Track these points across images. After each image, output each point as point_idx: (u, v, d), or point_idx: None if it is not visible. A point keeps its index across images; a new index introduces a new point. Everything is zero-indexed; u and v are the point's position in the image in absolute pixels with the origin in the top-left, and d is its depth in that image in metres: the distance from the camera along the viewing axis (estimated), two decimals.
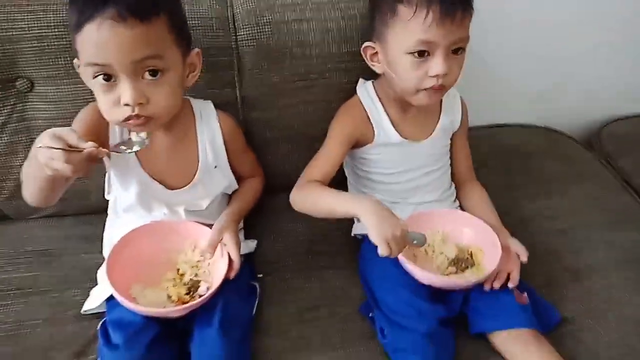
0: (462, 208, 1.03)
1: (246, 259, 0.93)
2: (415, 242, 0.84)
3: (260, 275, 0.95)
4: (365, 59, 0.91)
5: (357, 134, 0.94)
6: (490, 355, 0.85)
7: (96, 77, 0.71)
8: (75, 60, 0.77)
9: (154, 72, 0.72)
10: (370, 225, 0.78)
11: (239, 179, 0.97)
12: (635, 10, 1.34)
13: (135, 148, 0.76)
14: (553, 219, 1.11)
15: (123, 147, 0.76)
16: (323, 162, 0.94)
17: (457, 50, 0.83)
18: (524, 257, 0.88)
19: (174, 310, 0.77)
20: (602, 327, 0.90)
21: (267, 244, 1.02)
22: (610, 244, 1.06)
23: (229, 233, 0.84)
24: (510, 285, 0.87)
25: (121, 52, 0.68)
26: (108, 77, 0.71)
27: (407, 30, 0.80)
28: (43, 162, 0.64)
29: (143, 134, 0.77)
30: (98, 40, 0.68)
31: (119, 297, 0.75)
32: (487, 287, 0.86)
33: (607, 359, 0.86)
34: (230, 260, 0.82)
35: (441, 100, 0.98)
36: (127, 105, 0.71)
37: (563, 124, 1.45)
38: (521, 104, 1.42)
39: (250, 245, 0.97)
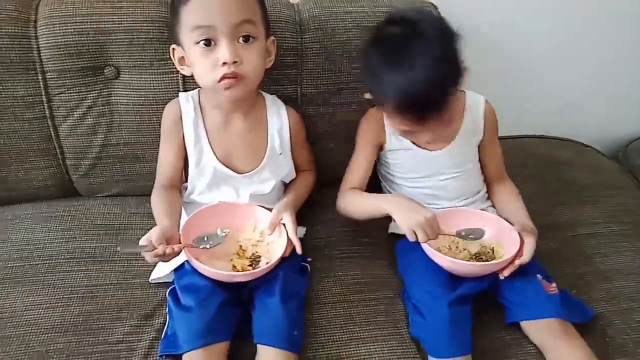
0: (493, 205, 1.08)
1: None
2: (471, 236, 0.94)
3: (310, 259, 1.02)
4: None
5: (379, 138, 1.03)
6: (524, 344, 0.91)
7: (198, 43, 0.84)
8: (172, 46, 0.90)
9: (246, 38, 0.85)
10: (396, 218, 0.89)
11: (296, 170, 1.06)
12: None
13: (213, 243, 0.88)
14: (584, 225, 1.18)
15: (202, 244, 0.87)
16: (355, 170, 1.05)
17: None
18: (524, 259, 0.91)
19: (240, 275, 0.85)
20: (629, 325, 0.96)
21: (314, 232, 1.09)
22: (637, 250, 1.12)
23: (287, 216, 0.92)
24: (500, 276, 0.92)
25: (224, 14, 0.82)
26: (208, 42, 0.83)
27: (393, 120, 0.90)
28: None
29: (224, 232, 0.90)
30: (207, 4, 0.82)
31: (194, 262, 0.83)
32: (501, 276, 0.92)
33: (634, 354, 0.92)
34: (289, 239, 0.90)
35: (463, 108, 1.01)
36: (224, 64, 0.83)
37: (591, 137, 1.53)
38: (551, 117, 1.49)
39: (300, 231, 1.05)
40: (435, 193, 1.03)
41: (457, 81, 0.86)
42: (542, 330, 0.89)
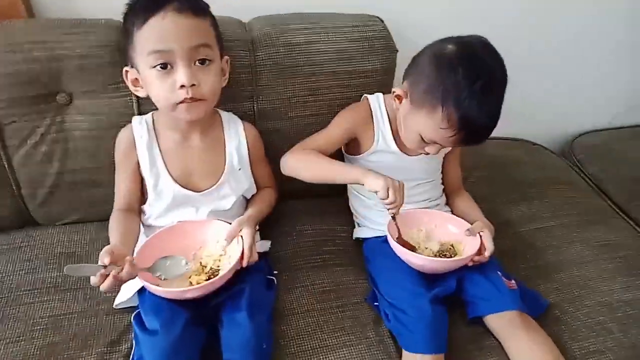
0: (452, 212, 1.13)
1: (263, 256, 1.02)
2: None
3: (276, 272, 1.04)
4: (391, 94, 1.00)
5: (359, 131, 1.06)
6: (486, 337, 0.96)
7: (154, 67, 0.85)
8: (125, 68, 0.91)
9: (203, 61, 0.87)
10: (369, 178, 0.91)
11: (257, 187, 1.08)
12: (601, 30, 1.50)
13: (172, 274, 0.87)
14: (534, 220, 1.25)
15: (158, 273, 0.86)
16: (321, 138, 1.05)
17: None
18: (487, 252, 0.96)
19: (191, 289, 0.84)
20: (581, 312, 1.03)
21: (280, 245, 1.11)
22: (585, 240, 1.19)
23: (246, 228, 0.93)
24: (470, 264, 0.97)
25: (181, 39, 0.84)
26: (165, 66, 0.85)
27: (433, 127, 0.91)
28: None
29: (188, 266, 0.89)
30: (163, 28, 0.83)
31: (147, 284, 0.82)
32: (470, 263, 0.97)
33: (587, 338, 0.97)
34: (244, 251, 0.90)
35: None
36: (182, 87, 0.85)
37: (539, 136, 1.62)
38: (503, 119, 1.56)
39: (265, 245, 1.07)
40: (407, 195, 1.04)
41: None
42: (503, 323, 0.93)
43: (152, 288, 0.83)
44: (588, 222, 1.25)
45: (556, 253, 1.16)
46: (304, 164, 1.01)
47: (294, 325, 0.94)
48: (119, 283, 0.80)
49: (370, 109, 1.07)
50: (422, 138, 0.95)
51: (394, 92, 0.99)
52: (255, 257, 0.90)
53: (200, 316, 0.87)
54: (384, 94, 1.09)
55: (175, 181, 0.96)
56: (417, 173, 1.09)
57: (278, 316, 0.95)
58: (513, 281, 0.99)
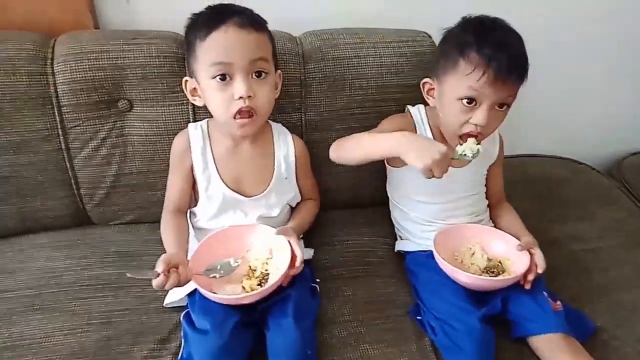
0: (495, 226, 1.13)
1: (307, 263, 1.04)
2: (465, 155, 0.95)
3: (318, 280, 1.05)
4: (422, 91, 1.04)
5: None
6: (530, 359, 0.94)
7: (214, 77, 0.89)
8: (185, 78, 0.97)
9: (259, 74, 0.91)
10: (410, 157, 0.85)
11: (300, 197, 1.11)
12: None
13: (225, 272, 0.91)
14: (582, 241, 1.22)
15: (213, 274, 0.90)
16: (367, 134, 1.00)
17: (502, 105, 0.94)
18: (540, 270, 0.96)
19: (247, 296, 0.87)
20: (631, 336, 1.00)
21: (321, 254, 1.13)
22: (635, 263, 1.16)
23: (292, 237, 0.96)
24: (527, 286, 0.96)
25: (242, 52, 0.88)
26: (224, 77, 0.89)
27: (463, 81, 0.92)
28: None
29: (237, 262, 0.93)
30: (225, 42, 0.88)
31: (201, 290, 0.86)
32: (527, 286, 0.96)
33: None
34: (294, 257, 0.92)
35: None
36: (240, 98, 0.89)
37: (585, 156, 1.58)
38: (545, 135, 1.56)
39: (309, 253, 1.09)
40: (451, 209, 1.08)
41: (527, 69, 0.93)
42: (548, 345, 0.92)
43: (211, 295, 0.86)
44: (637, 244, 1.21)
45: (604, 275, 1.13)
46: (349, 150, 0.98)
47: (337, 334, 0.96)
48: (177, 285, 0.83)
49: (413, 119, 1.08)
50: (461, 104, 0.93)
51: (422, 84, 1.02)
52: (299, 261, 0.92)
53: (248, 320, 0.90)
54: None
55: (226, 185, 1.00)
56: (462, 185, 1.09)
57: (321, 324, 0.97)
58: (559, 302, 0.97)
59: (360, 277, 1.09)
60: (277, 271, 0.93)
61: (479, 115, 0.92)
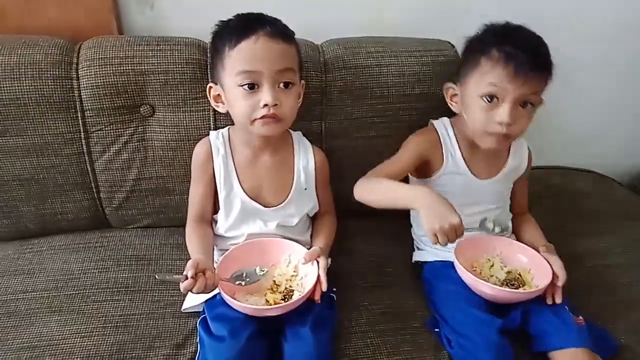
0: (516, 237, 1.11)
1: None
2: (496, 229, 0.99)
3: (335, 289, 1.04)
4: (445, 97, 1.04)
5: (428, 154, 1.06)
6: None
7: (242, 85, 0.89)
8: (210, 84, 0.97)
9: (286, 84, 0.91)
10: (422, 216, 0.87)
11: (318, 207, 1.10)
12: None
13: (250, 280, 0.92)
14: (603, 255, 1.20)
15: (239, 281, 0.92)
16: (390, 165, 1.05)
17: (525, 104, 0.94)
18: (561, 282, 0.95)
19: (271, 309, 0.87)
20: None
21: (337, 263, 1.11)
22: None
23: (322, 259, 0.95)
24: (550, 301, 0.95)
25: (271, 62, 0.89)
26: (252, 86, 0.89)
27: (484, 78, 0.94)
28: None
29: (262, 271, 0.94)
30: (254, 51, 0.88)
31: (227, 298, 0.86)
32: (549, 301, 0.95)
33: None
34: (319, 279, 0.91)
35: (509, 146, 1.08)
36: (265, 105, 0.89)
37: (607, 168, 1.55)
38: (567, 148, 1.54)
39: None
40: (475, 221, 1.06)
41: (552, 68, 0.94)
42: (569, 359, 0.90)
43: (236, 304, 0.85)
44: None
45: (627, 291, 1.10)
46: (373, 193, 1.00)
47: (353, 345, 0.94)
48: (204, 289, 0.83)
49: (437, 133, 1.07)
50: (483, 101, 0.93)
51: (445, 89, 1.04)
52: (324, 286, 0.91)
53: (266, 328, 0.89)
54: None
55: (246, 193, 1.00)
56: (487, 197, 1.08)
57: (338, 334, 0.96)
58: (581, 317, 0.95)
59: (377, 288, 1.07)
60: (302, 289, 0.92)
61: (502, 112, 0.92)
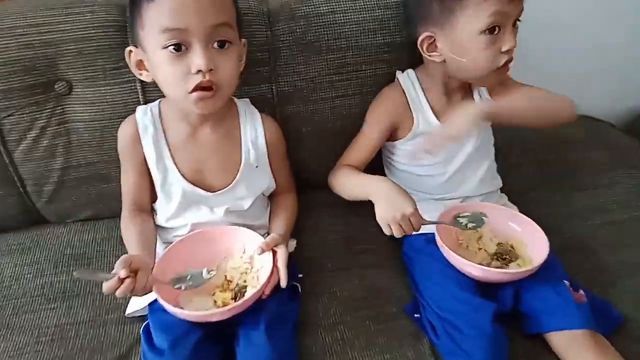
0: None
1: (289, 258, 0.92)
2: (472, 224, 0.87)
3: (301, 275, 0.92)
4: (421, 49, 0.88)
5: (396, 119, 0.94)
6: (545, 357, 0.81)
7: (166, 47, 0.73)
8: (129, 48, 0.80)
9: (222, 43, 0.75)
10: (376, 207, 0.81)
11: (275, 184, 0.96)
12: None
13: (194, 284, 0.77)
14: (602, 212, 1.07)
15: (179, 284, 0.77)
16: (358, 148, 0.96)
17: (515, 22, 0.82)
18: None
19: (214, 314, 0.74)
20: None
21: (305, 243, 0.99)
22: None
23: (281, 248, 0.82)
24: None
25: (199, 16, 0.71)
26: (178, 47, 0.73)
27: (481, 11, 0.79)
28: None
29: (210, 274, 0.78)
30: (179, 3, 0.71)
31: (165, 304, 0.73)
32: None
33: None
34: (273, 272, 0.79)
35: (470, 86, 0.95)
36: (199, 72, 0.73)
37: (603, 111, 1.41)
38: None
39: (290, 245, 0.95)
40: (458, 179, 0.96)
41: None
42: (570, 343, 0.79)
43: (173, 310, 0.73)
44: None
45: (630, 252, 0.98)
46: (341, 187, 0.95)
47: (320, 341, 0.83)
48: (132, 293, 0.71)
49: (403, 89, 0.93)
50: (486, 36, 0.81)
51: (421, 41, 0.87)
52: (283, 281, 0.79)
53: (216, 333, 0.78)
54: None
55: (185, 178, 0.86)
56: (468, 149, 0.95)
57: (302, 329, 0.84)
58: (582, 291, 0.84)
59: (348, 269, 0.95)
60: (257, 284, 0.79)
61: (508, 38, 0.82)
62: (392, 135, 0.97)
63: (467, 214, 0.89)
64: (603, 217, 1.06)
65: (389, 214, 0.79)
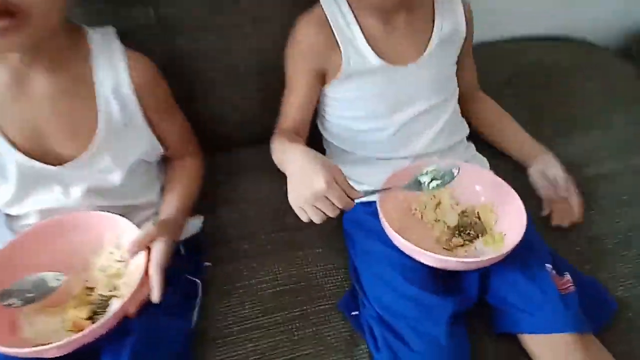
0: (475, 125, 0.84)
1: (187, 245, 0.70)
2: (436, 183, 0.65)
3: (208, 264, 0.72)
4: None
5: (323, 60, 0.72)
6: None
7: None
8: None
9: None
10: (288, 186, 0.62)
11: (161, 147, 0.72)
12: None
13: (38, 294, 0.56)
14: (594, 162, 0.88)
15: (13, 299, 0.56)
16: (289, 109, 0.76)
17: None
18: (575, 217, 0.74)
19: (49, 348, 0.51)
20: None
21: (218, 220, 0.78)
22: None
23: (160, 243, 0.60)
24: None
25: None
26: None
27: None
28: None
29: (59, 280, 0.57)
30: None
31: None
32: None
33: None
34: (143, 280, 0.57)
35: (433, 8, 0.74)
36: None
37: (595, 32, 1.19)
38: (543, 12, 1.15)
39: (194, 225, 0.73)
40: (410, 132, 0.76)
41: None
42: (552, 347, 0.61)
43: None
44: None
45: (628, 214, 0.79)
46: (277, 158, 0.73)
47: (223, 355, 0.63)
48: None
49: (327, 16, 0.70)
50: None
51: None
52: (155, 296, 0.57)
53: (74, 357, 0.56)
54: None
55: (19, 149, 0.61)
56: (420, 90, 0.74)
57: (203, 341, 0.64)
58: (567, 276, 0.64)
59: (272, 252, 0.74)
60: (129, 288, 0.58)
61: None
62: (323, 76, 0.74)
63: (432, 167, 0.66)
64: (594, 168, 0.86)
65: (298, 195, 0.59)
